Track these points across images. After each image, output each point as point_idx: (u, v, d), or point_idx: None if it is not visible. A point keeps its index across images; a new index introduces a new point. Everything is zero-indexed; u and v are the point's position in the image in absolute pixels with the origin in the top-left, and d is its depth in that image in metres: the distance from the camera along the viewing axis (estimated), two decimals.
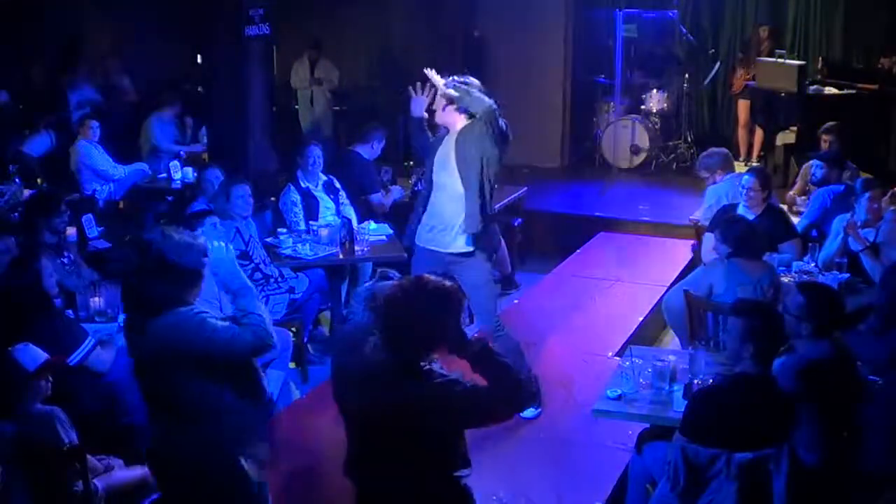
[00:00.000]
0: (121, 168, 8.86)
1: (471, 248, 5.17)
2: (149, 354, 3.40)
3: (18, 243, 5.40)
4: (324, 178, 7.20)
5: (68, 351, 4.56)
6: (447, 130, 5.22)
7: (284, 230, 6.87)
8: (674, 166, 11.12)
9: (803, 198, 7.44)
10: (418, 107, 5.35)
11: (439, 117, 5.19)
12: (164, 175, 8.85)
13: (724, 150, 7.52)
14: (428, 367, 2.98)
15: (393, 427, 2.98)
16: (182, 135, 9.91)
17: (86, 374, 4.67)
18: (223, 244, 3.55)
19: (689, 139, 11.39)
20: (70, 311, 5.17)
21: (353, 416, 3.10)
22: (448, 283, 3.02)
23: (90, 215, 7.03)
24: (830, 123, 8.00)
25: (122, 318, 4.86)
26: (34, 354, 3.93)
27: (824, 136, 7.86)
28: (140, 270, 3.40)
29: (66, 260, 5.71)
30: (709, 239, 6.16)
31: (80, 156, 8.72)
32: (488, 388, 2.98)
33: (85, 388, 4.64)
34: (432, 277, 3.02)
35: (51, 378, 3.96)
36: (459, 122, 5.12)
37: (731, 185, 6.90)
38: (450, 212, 5.16)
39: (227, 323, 3.37)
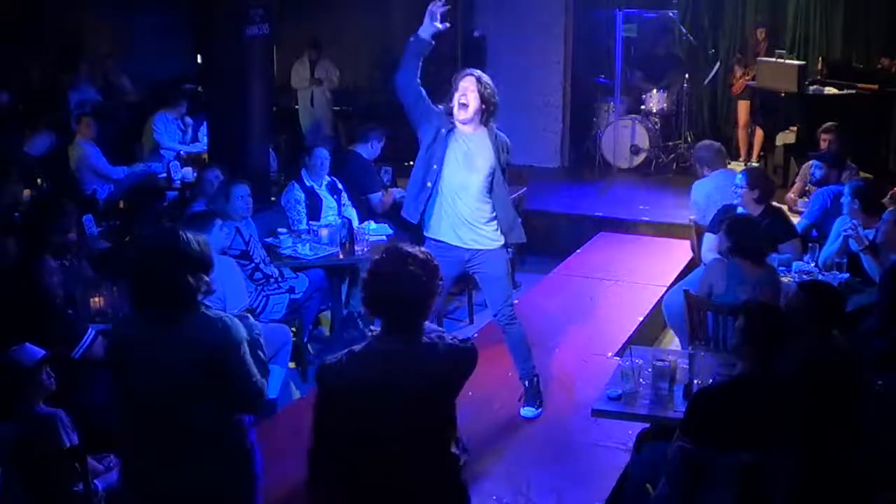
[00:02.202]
0: (118, 169, 8.85)
1: (501, 243, 5.19)
2: (183, 356, 3.14)
3: (19, 243, 5.40)
4: (327, 178, 7.22)
5: (71, 347, 4.58)
6: (449, 128, 5.04)
7: (284, 230, 6.88)
8: (674, 166, 11.12)
9: (804, 199, 7.44)
10: (427, 30, 4.92)
11: (466, 117, 4.97)
12: (164, 175, 8.85)
13: (717, 144, 7.51)
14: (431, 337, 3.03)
15: (414, 411, 3.00)
16: (183, 134, 9.91)
17: (89, 370, 4.67)
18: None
19: (689, 139, 11.37)
20: (70, 311, 5.17)
21: (370, 415, 3.04)
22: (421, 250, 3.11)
23: (90, 215, 7.03)
24: (830, 123, 8.00)
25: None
26: (31, 352, 3.94)
27: (824, 136, 7.86)
28: (169, 265, 3.14)
29: (66, 263, 5.69)
30: (709, 239, 6.17)
31: (80, 155, 8.72)
32: None
33: (88, 384, 4.65)
34: (408, 246, 3.10)
35: (51, 373, 3.97)
36: (478, 125, 5.06)
37: (715, 183, 6.94)
38: (474, 211, 5.11)
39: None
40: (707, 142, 7.55)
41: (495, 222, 5.18)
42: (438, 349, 2.98)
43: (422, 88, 5.02)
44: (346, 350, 3.08)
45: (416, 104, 5.03)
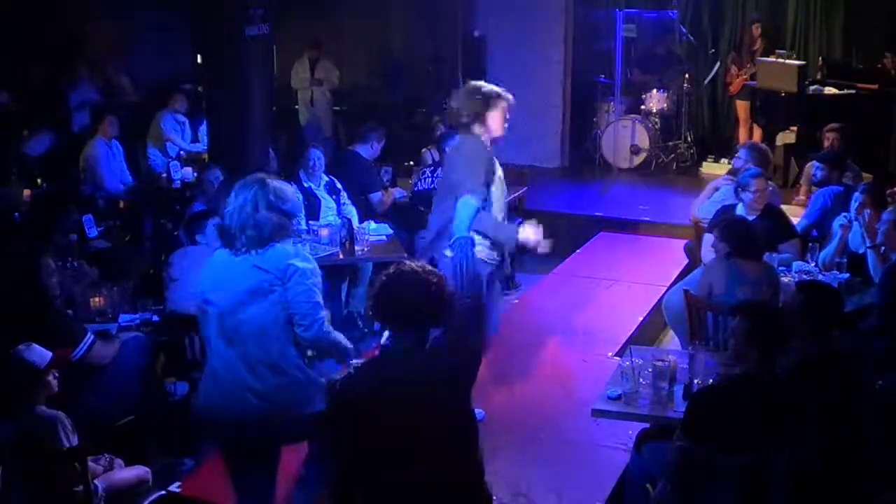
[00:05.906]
0: (127, 174, 8.83)
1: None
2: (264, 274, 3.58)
3: (20, 243, 5.40)
4: (325, 178, 7.22)
5: (70, 349, 4.58)
6: (489, 144, 5.17)
7: None
8: (674, 166, 11.13)
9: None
10: None
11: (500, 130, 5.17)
12: (164, 175, 8.85)
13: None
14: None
15: (437, 415, 3.03)
16: (182, 132, 9.92)
17: (87, 371, 4.67)
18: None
19: (689, 139, 11.39)
20: (70, 311, 5.17)
21: (390, 425, 3.04)
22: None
23: (90, 215, 7.03)
24: (834, 125, 7.99)
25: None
26: (41, 352, 3.94)
27: (828, 135, 7.86)
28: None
29: (67, 263, 5.69)
30: (709, 239, 6.17)
31: (94, 154, 8.57)
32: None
33: (86, 385, 4.65)
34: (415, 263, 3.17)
35: (57, 374, 3.97)
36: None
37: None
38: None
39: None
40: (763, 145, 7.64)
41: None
42: (443, 355, 3.01)
43: None
44: (354, 367, 3.22)
45: None
